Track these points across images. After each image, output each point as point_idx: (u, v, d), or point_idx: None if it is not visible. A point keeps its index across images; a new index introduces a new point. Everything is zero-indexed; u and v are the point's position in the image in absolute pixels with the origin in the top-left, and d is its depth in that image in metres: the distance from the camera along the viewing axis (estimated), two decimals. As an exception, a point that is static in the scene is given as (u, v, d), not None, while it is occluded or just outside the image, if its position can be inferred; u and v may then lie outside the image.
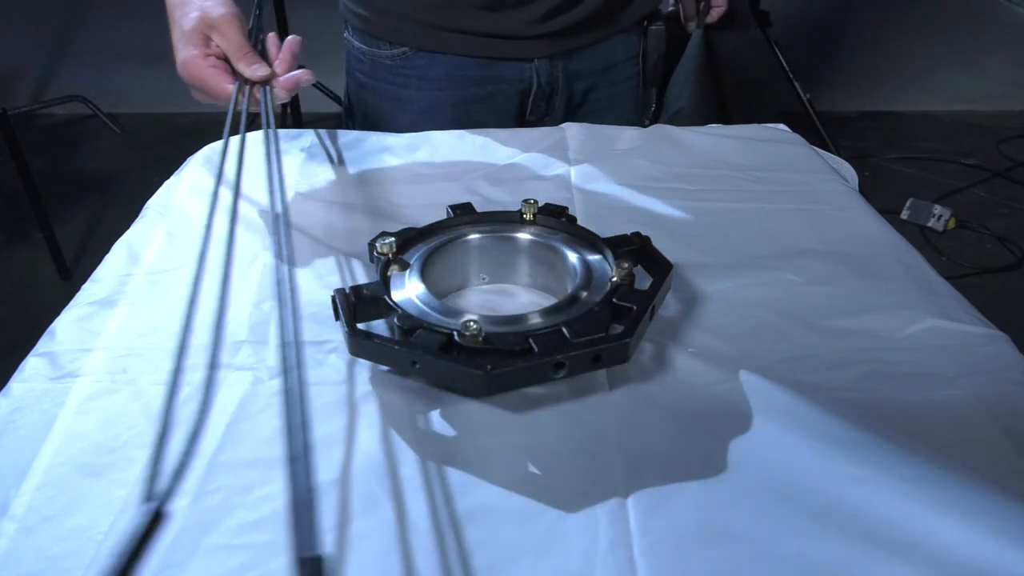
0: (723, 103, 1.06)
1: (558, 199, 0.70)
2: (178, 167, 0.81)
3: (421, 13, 0.91)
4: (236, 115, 0.64)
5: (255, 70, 0.69)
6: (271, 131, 0.62)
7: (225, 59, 0.70)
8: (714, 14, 1.04)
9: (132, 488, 0.45)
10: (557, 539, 0.42)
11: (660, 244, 0.59)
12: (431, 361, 0.49)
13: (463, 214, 0.64)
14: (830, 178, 0.78)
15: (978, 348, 0.55)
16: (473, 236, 0.63)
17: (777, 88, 2.36)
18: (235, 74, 0.70)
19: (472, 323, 0.50)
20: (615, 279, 0.55)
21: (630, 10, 0.97)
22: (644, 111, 1.04)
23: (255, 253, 0.66)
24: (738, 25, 1.07)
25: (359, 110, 1.00)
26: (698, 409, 0.50)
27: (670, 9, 1.07)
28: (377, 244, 0.59)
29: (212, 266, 0.64)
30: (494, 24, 0.90)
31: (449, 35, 0.91)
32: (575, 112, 0.99)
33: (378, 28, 0.93)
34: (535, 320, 0.53)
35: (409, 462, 0.47)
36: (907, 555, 0.41)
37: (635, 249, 0.59)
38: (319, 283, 0.63)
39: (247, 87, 0.69)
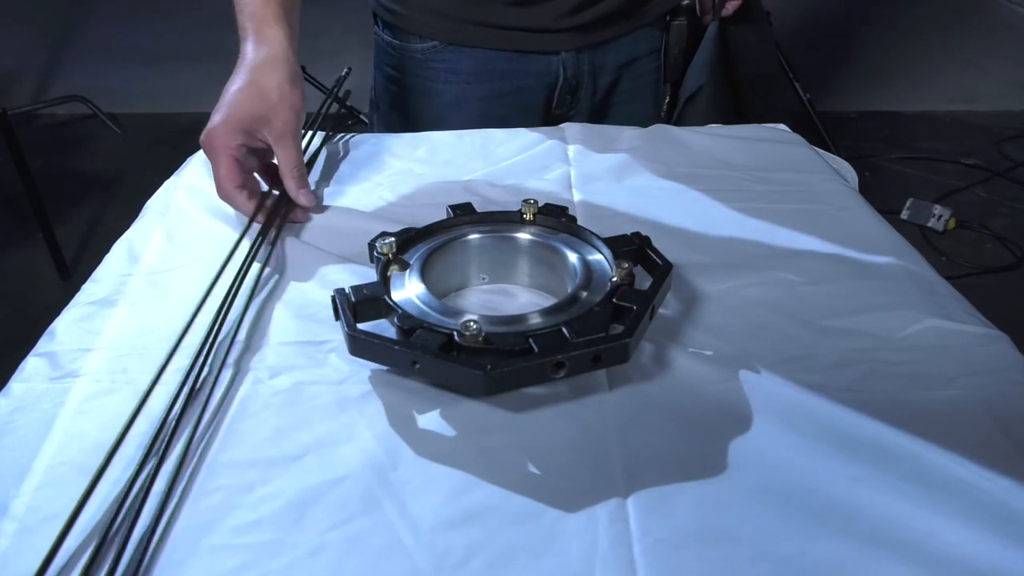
0: (736, 96, 1.07)
1: (558, 199, 0.70)
2: (178, 167, 0.81)
3: (453, 8, 0.92)
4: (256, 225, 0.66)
5: (303, 196, 0.70)
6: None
7: (260, 150, 0.68)
8: (729, 7, 1.05)
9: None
10: (557, 539, 0.42)
11: (660, 244, 0.59)
12: (431, 361, 0.49)
13: (463, 214, 0.64)
14: (830, 178, 0.78)
15: (978, 348, 0.55)
16: (473, 236, 0.63)
17: (785, 85, 2.36)
18: (268, 176, 0.69)
19: (472, 323, 0.50)
20: (615, 279, 0.55)
21: (654, 4, 0.99)
22: (661, 103, 1.06)
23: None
24: (752, 19, 1.08)
25: (385, 103, 1.02)
26: (698, 409, 0.50)
27: (686, 2, 1.07)
28: (377, 244, 0.59)
29: (213, 268, 0.65)
30: (523, 19, 0.92)
31: (479, 29, 0.92)
32: (599, 106, 1.01)
33: (409, 23, 0.95)
34: (535, 320, 0.53)
35: (409, 462, 0.47)
36: (907, 555, 0.41)
37: (635, 249, 0.59)
38: (319, 283, 0.63)
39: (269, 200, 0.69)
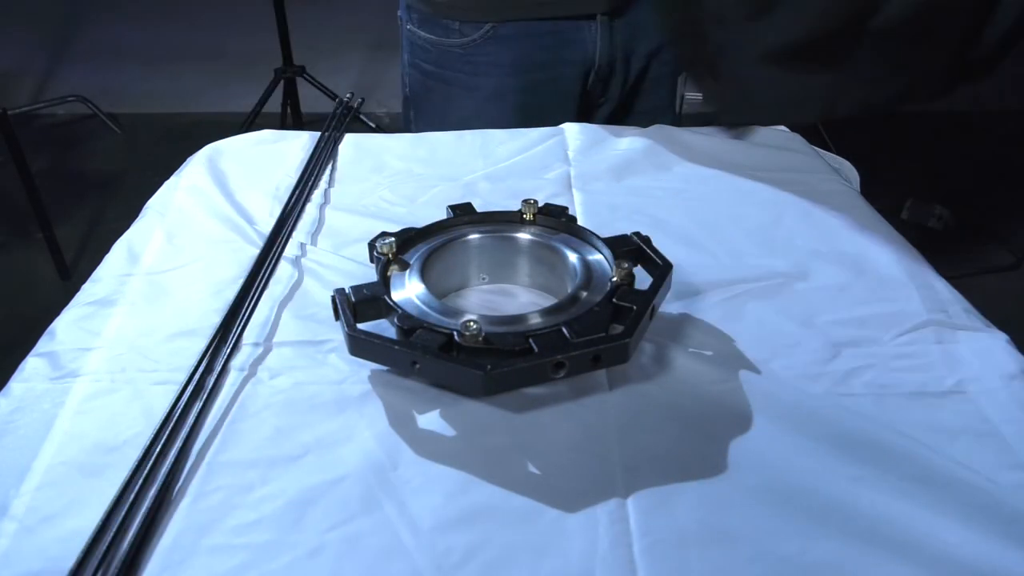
0: None
1: (558, 199, 0.70)
2: (178, 167, 0.81)
3: None
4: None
5: None
6: None
7: None
8: None
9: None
10: (557, 539, 0.42)
11: (660, 244, 0.59)
12: (431, 361, 0.49)
13: (463, 214, 0.64)
14: (830, 178, 0.78)
15: (978, 348, 0.55)
16: (473, 236, 0.63)
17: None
18: None
19: (472, 323, 0.50)
20: (615, 279, 0.55)
21: None
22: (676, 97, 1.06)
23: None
24: None
25: (423, 99, 1.04)
26: (698, 409, 0.50)
27: None
28: (377, 244, 0.59)
29: (213, 268, 0.65)
30: None
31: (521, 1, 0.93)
32: (629, 93, 1.02)
33: (453, 11, 0.95)
34: (535, 320, 0.53)
35: (409, 462, 0.47)
36: (907, 555, 0.41)
37: (635, 249, 0.59)
38: (319, 283, 0.63)
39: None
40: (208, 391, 0.51)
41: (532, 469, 0.47)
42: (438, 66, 0.99)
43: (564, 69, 0.98)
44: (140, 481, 0.45)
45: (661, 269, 0.57)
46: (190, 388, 0.51)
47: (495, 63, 0.97)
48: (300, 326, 0.58)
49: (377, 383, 0.53)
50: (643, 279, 0.57)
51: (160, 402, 0.50)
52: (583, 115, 1.00)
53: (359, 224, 0.70)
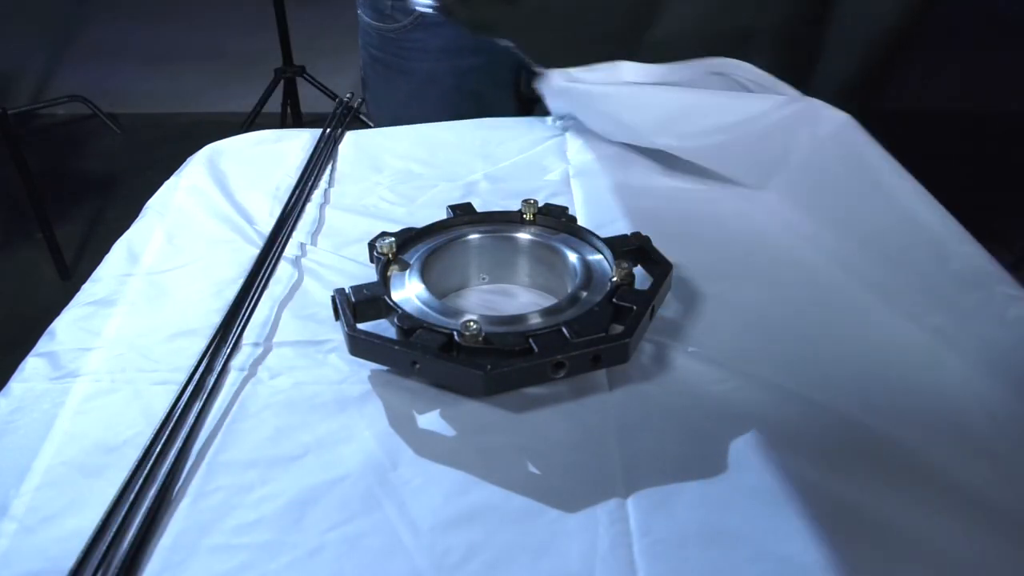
0: None
1: (558, 199, 0.70)
2: (178, 167, 0.81)
3: None
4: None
5: None
6: None
7: None
8: None
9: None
10: (557, 539, 0.42)
11: (660, 244, 0.59)
12: (431, 361, 0.49)
13: (463, 214, 0.64)
14: (832, 168, 0.78)
15: (981, 345, 0.55)
16: (473, 236, 0.63)
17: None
18: None
19: (472, 323, 0.50)
20: (615, 279, 0.55)
21: None
22: None
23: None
24: None
25: (372, 81, 1.07)
26: (698, 409, 0.50)
27: None
28: (377, 244, 0.59)
29: (213, 268, 0.65)
30: None
31: None
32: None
33: None
34: (535, 320, 0.53)
35: (409, 462, 0.47)
36: (907, 555, 0.41)
37: (635, 249, 0.59)
38: (319, 283, 0.63)
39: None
40: (208, 391, 0.51)
41: (532, 469, 0.47)
42: (380, 50, 1.02)
43: (494, 56, 0.98)
44: (140, 481, 0.45)
45: (661, 269, 0.57)
46: (190, 388, 0.51)
47: (423, 48, 0.99)
48: (300, 326, 0.58)
49: (377, 383, 0.53)
50: (643, 279, 0.57)
51: (160, 402, 0.51)
52: (525, 104, 1.01)
53: (359, 224, 0.70)
